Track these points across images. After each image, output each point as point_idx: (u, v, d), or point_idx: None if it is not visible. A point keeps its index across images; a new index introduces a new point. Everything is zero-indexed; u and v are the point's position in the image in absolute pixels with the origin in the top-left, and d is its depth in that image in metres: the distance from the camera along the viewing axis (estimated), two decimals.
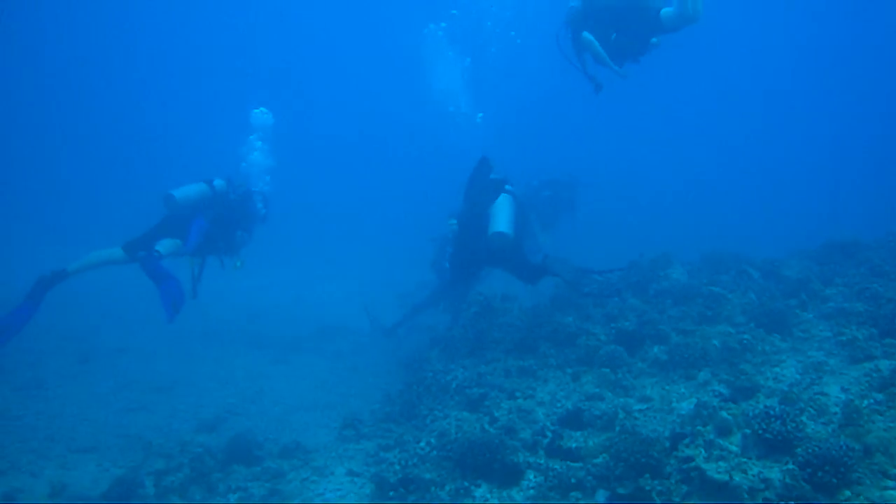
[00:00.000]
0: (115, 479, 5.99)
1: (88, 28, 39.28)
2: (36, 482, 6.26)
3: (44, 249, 16.85)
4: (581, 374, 6.45)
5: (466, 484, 4.82)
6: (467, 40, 19.24)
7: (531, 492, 4.69)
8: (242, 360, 10.97)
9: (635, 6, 7.75)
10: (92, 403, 8.54)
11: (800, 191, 31.10)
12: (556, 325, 7.46)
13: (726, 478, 4.04)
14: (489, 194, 8.13)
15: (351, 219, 27.04)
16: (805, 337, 6.45)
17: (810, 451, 3.91)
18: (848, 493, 3.73)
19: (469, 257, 8.30)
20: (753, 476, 4.03)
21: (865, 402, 4.70)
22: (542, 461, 4.97)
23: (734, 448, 4.37)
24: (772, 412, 4.36)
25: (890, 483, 3.76)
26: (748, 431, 4.41)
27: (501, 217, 7.79)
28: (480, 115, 16.22)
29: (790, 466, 3.96)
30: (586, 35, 8.08)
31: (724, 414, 4.71)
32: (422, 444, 5.58)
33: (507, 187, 8.22)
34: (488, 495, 4.73)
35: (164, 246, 8.19)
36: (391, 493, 5.03)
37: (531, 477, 4.85)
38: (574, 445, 5.03)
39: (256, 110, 11.49)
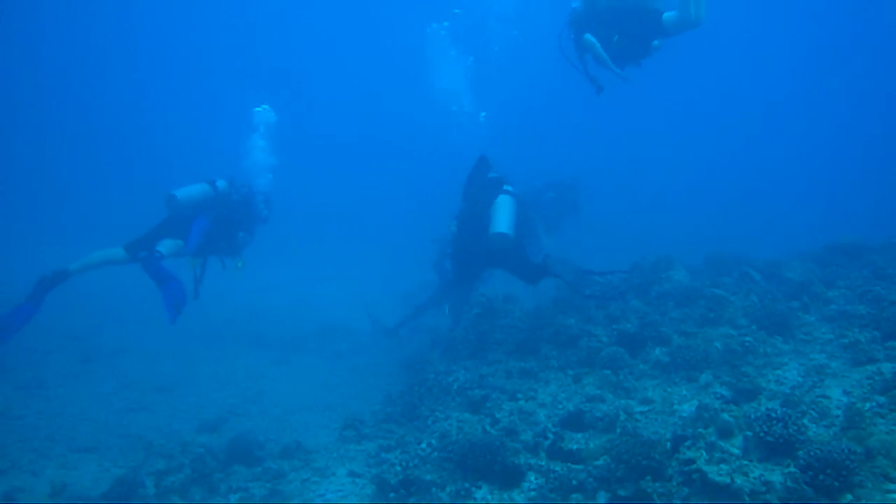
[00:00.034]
0: (115, 478, 5.99)
1: (88, 28, 39.32)
2: (37, 481, 6.26)
3: (44, 249, 16.86)
4: (582, 376, 6.44)
5: (467, 485, 4.82)
6: (470, 39, 19.22)
7: (532, 493, 4.68)
8: (243, 361, 10.96)
9: (638, 9, 7.76)
10: (93, 403, 8.54)
11: (801, 192, 31.07)
12: (558, 326, 7.46)
13: (727, 480, 4.03)
14: (488, 194, 8.13)
15: (352, 219, 27.04)
16: (807, 339, 6.44)
17: (812, 453, 3.90)
18: (850, 496, 3.72)
19: (470, 258, 8.30)
20: (755, 479, 4.02)
21: (867, 404, 4.69)
22: (543, 463, 4.97)
23: (735, 450, 4.35)
24: (773, 415, 4.35)
25: (892, 486, 3.75)
26: (750, 434, 4.40)
27: (502, 217, 7.78)
28: (483, 113, 16.21)
29: (792, 469, 3.95)
30: (588, 37, 8.08)
31: (725, 416, 4.70)
32: (423, 445, 5.57)
33: (506, 187, 8.21)
34: (489, 497, 4.73)
35: (166, 246, 8.19)
36: (392, 495, 5.02)
37: (532, 479, 4.84)
38: (575, 447, 5.02)
39: (259, 108, 11.39)
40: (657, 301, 8.17)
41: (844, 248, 9.18)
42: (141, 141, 36.17)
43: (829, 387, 5.24)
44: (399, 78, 37.81)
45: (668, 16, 7.54)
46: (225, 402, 8.86)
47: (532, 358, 7.11)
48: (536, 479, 4.82)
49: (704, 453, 4.35)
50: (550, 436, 5.24)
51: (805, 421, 4.48)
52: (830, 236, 9.84)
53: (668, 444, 4.58)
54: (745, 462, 4.21)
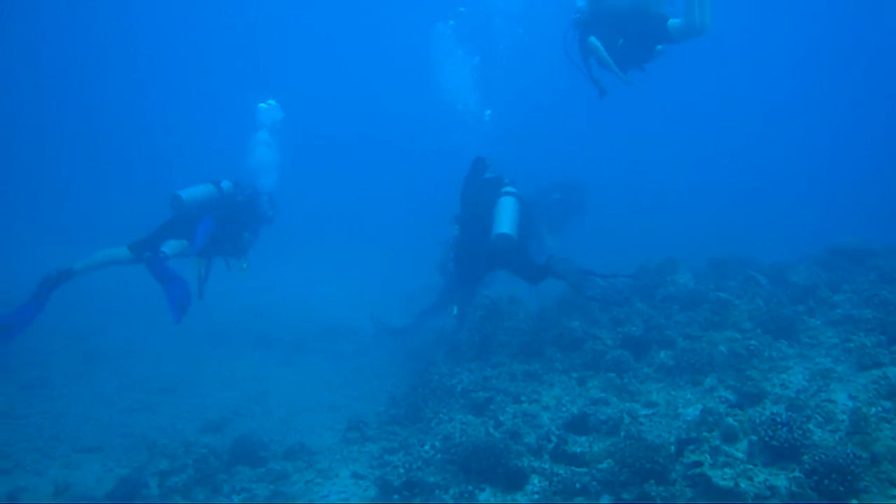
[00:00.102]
0: (119, 479, 5.99)
1: (88, 28, 39.37)
2: (40, 481, 6.27)
3: (44, 249, 16.90)
4: (587, 379, 6.43)
5: (470, 488, 4.81)
6: (476, 38, 19.18)
7: (535, 496, 4.67)
8: (247, 361, 10.96)
9: (644, 13, 7.77)
10: (97, 403, 8.54)
11: (803, 194, 31.01)
12: (563, 329, 7.44)
13: (732, 484, 4.02)
14: (488, 194, 8.12)
15: (352, 218, 27.00)
16: (813, 343, 6.42)
17: (817, 458, 3.89)
18: (855, 501, 3.71)
19: (473, 260, 8.29)
20: (759, 483, 4.01)
21: (873, 409, 4.67)
22: (546, 466, 4.95)
23: (740, 455, 4.34)
24: (778, 419, 4.34)
25: None
26: (754, 438, 4.39)
27: (505, 218, 7.78)
28: (488, 112, 16.17)
29: (796, 474, 3.94)
30: (593, 40, 8.09)
31: (730, 420, 4.69)
32: (426, 447, 5.56)
33: (508, 188, 8.20)
34: (492, 499, 4.72)
35: (171, 247, 8.20)
36: (395, 497, 5.02)
37: (535, 482, 4.83)
38: (579, 450, 5.01)
39: (263, 104, 11.22)
40: (662, 304, 8.16)
41: (848, 252, 9.16)
42: (141, 141, 36.16)
43: (834, 391, 5.23)
44: (402, 76, 37.81)
45: (674, 22, 7.56)
46: (229, 403, 8.85)
47: (536, 360, 7.10)
48: (540, 482, 4.81)
49: (709, 457, 4.34)
50: (554, 439, 5.23)
51: (810, 425, 4.46)
52: (831, 238, 9.81)
53: (673, 447, 4.57)
54: (750, 466, 4.20)
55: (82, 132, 35.83)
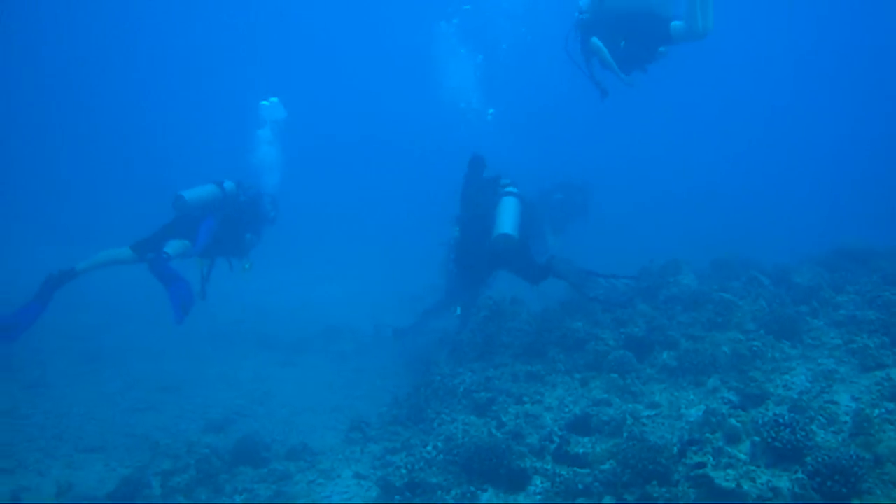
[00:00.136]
0: (121, 478, 6.00)
1: (88, 28, 39.38)
2: (43, 481, 6.28)
3: (44, 249, 16.91)
4: (589, 380, 6.42)
5: (473, 489, 4.81)
6: (479, 37, 19.17)
7: (538, 497, 4.67)
8: (250, 362, 10.97)
9: (647, 15, 7.77)
10: (99, 403, 8.56)
11: (807, 195, 30.95)
12: (565, 329, 7.43)
13: (734, 486, 4.01)
14: (487, 194, 8.12)
15: (353, 218, 26.96)
16: (816, 344, 6.40)
17: (820, 460, 3.88)
18: (857, 502, 3.70)
19: (475, 260, 8.29)
20: (762, 484, 4.00)
21: (876, 411, 4.66)
22: (549, 467, 4.95)
23: (743, 456, 4.34)
24: (781, 420, 4.33)
25: None
26: (757, 439, 4.38)
27: (506, 219, 7.79)
28: (491, 110, 16.17)
29: (799, 475, 3.93)
30: (595, 41, 8.09)
31: (733, 421, 4.68)
32: (428, 447, 5.56)
33: (510, 188, 8.20)
34: (494, 500, 4.72)
35: (173, 247, 8.21)
36: (397, 497, 5.02)
37: (538, 482, 4.82)
38: (581, 451, 5.01)
39: (265, 101, 11.08)
40: (665, 305, 8.14)
41: (852, 253, 9.14)
42: (141, 141, 36.16)
43: (837, 392, 5.21)
44: (404, 75, 37.78)
45: (676, 25, 7.58)
46: (231, 403, 8.86)
47: (539, 361, 7.09)
48: (542, 482, 4.81)
49: (711, 458, 4.33)
50: (557, 439, 5.23)
51: (813, 427, 4.46)
52: (834, 240, 9.79)
53: (675, 448, 4.56)
54: (753, 468, 4.19)
55: (82, 132, 35.82)
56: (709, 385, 5.82)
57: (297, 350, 11.84)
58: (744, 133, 39.33)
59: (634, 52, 8.10)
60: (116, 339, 11.54)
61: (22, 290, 7.53)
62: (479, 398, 6.40)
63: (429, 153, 29.77)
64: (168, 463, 6.42)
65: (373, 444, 6.50)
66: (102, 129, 36.45)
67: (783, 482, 3.99)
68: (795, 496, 3.81)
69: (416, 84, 27.76)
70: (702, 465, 4.27)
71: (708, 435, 4.63)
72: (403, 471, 5.26)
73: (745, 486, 3.99)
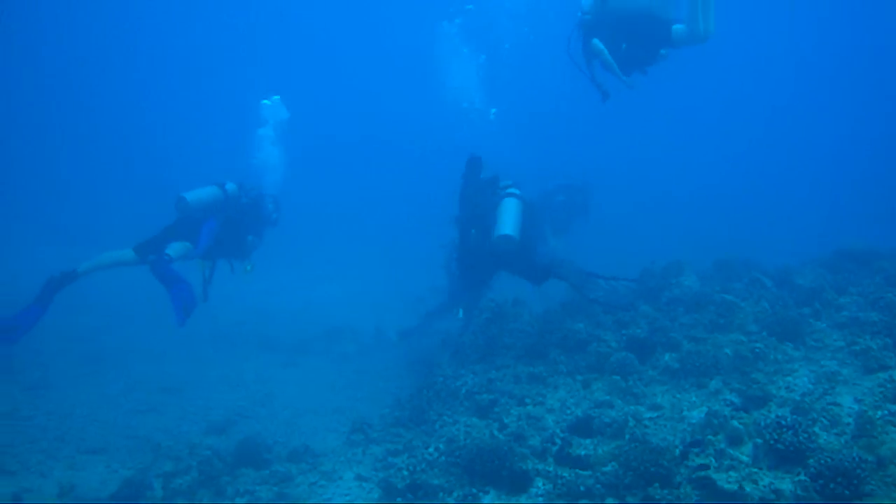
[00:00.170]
0: (123, 480, 6.01)
1: (88, 28, 39.38)
2: (45, 482, 6.29)
3: (44, 250, 16.94)
4: (591, 381, 6.41)
5: (474, 490, 4.80)
6: (482, 36, 19.15)
7: (539, 499, 4.66)
8: (252, 363, 10.98)
9: (648, 17, 7.77)
10: (101, 404, 8.57)
11: (809, 197, 30.93)
12: (567, 331, 7.43)
13: (736, 488, 4.00)
14: (486, 194, 8.11)
15: (353, 218, 26.95)
16: (818, 346, 6.39)
17: (822, 462, 3.87)
18: None
19: (476, 262, 8.28)
20: (764, 487, 4.00)
21: (879, 413, 4.65)
22: (550, 469, 4.94)
23: (745, 458, 4.33)
24: (784, 422, 4.33)
25: None
26: (759, 441, 4.37)
27: (507, 220, 7.78)
28: (494, 110, 16.15)
29: (802, 478, 3.93)
30: (596, 42, 8.09)
31: (735, 423, 4.67)
32: (430, 449, 5.55)
33: (513, 189, 8.19)
34: (496, 502, 4.71)
35: (175, 249, 8.20)
36: (399, 499, 5.01)
37: (540, 484, 4.81)
38: (583, 453, 5.00)
39: (266, 100, 11.02)
40: (667, 306, 8.14)
41: (854, 255, 9.12)
42: (141, 141, 36.15)
43: (840, 394, 5.20)
44: (406, 75, 37.76)
45: (678, 28, 7.59)
46: (233, 405, 8.87)
47: (541, 363, 7.08)
48: (544, 484, 4.80)
49: (714, 460, 4.33)
50: (558, 441, 5.22)
51: (816, 429, 4.45)
52: (836, 241, 9.77)
53: (678, 450, 4.55)
54: (755, 470, 4.19)
55: (82, 132, 35.82)
56: (711, 387, 5.81)
57: (298, 351, 11.84)
58: (745, 134, 39.31)
59: (635, 55, 8.10)
60: (118, 341, 11.55)
61: (22, 291, 7.53)
62: (481, 400, 6.40)
63: (430, 153, 29.74)
64: (170, 464, 6.42)
65: (375, 445, 6.50)
66: (102, 129, 36.44)
67: (785, 484, 3.98)
68: (798, 498, 3.81)
69: (419, 84, 27.74)
70: (704, 468, 4.27)
71: (710, 437, 4.62)
72: (405, 472, 5.25)
73: (748, 488, 3.98)
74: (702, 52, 8.45)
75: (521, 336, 7.89)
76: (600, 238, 15.29)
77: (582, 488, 4.52)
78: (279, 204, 9.94)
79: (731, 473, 4.17)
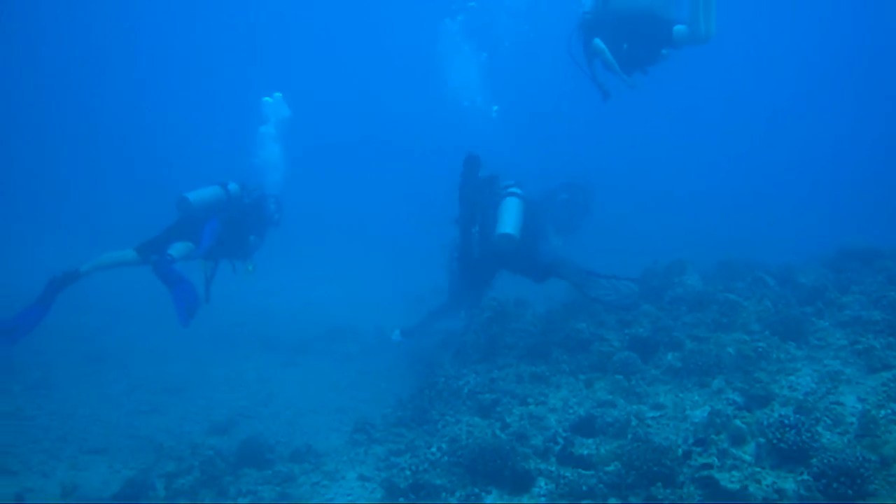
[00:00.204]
0: (125, 480, 6.01)
1: (88, 28, 39.38)
2: (47, 482, 6.29)
3: (44, 250, 16.94)
4: (594, 381, 6.41)
5: (477, 490, 4.79)
6: (484, 34, 19.12)
7: (542, 499, 4.65)
8: (254, 363, 10.98)
9: (650, 17, 7.77)
10: (104, 404, 8.57)
11: (810, 196, 30.91)
12: (570, 330, 7.42)
13: (739, 487, 4.00)
14: (485, 193, 8.10)
15: (353, 218, 26.95)
16: (821, 345, 6.38)
17: (825, 461, 3.87)
18: None
19: (475, 261, 8.27)
20: (767, 486, 3.99)
21: (882, 412, 4.64)
22: (553, 468, 4.94)
23: (748, 457, 4.32)
24: (786, 421, 4.32)
25: None
26: (762, 440, 4.36)
27: (508, 219, 7.79)
28: (495, 108, 16.13)
29: (805, 477, 3.92)
30: (598, 42, 8.08)
31: (738, 422, 4.67)
32: (433, 449, 5.55)
33: (514, 189, 8.19)
34: (499, 502, 4.70)
35: (177, 249, 8.21)
36: (401, 499, 5.01)
37: (542, 484, 4.81)
38: (586, 453, 4.99)
39: (268, 97, 10.96)
40: (670, 306, 8.12)
41: (856, 253, 9.11)
42: (141, 141, 36.17)
43: (843, 393, 5.19)
44: (407, 73, 37.73)
45: (679, 29, 7.58)
46: (235, 405, 8.87)
47: (543, 362, 7.07)
48: (546, 484, 4.79)
49: (716, 460, 4.32)
50: (561, 441, 5.21)
51: (819, 428, 4.44)
52: (838, 240, 9.75)
53: (680, 450, 4.55)
54: (758, 469, 4.18)
55: (82, 132, 35.84)
56: (714, 386, 5.80)
57: (300, 351, 11.85)
58: (747, 133, 39.27)
59: (637, 54, 8.09)
60: (120, 341, 11.56)
61: (22, 291, 7.53)
62: (483, 399, 6.39)
63: (430, 152, 29.72)
64: (172, 465, 6.42)
65: (377, 445, 6.50)
66: (103, 129, 36.47)
67: (788, 484, 3.98)
68: (801, 498, 3.80)
69: (420, 82, 27.71)
70: (707, 467, 4.26)
71: (713, 436, 4.61)
72: (408, 472, 5.25)
73: (751, 487, 3.98)
74: (703, 52, 8.45)
75: (523, 335, 7.89)
76: (602, 237, 15.27)
77: (584, 488, 4.51)
78: (281, 204, 9.95)
79: (734, 473, 4.16)
